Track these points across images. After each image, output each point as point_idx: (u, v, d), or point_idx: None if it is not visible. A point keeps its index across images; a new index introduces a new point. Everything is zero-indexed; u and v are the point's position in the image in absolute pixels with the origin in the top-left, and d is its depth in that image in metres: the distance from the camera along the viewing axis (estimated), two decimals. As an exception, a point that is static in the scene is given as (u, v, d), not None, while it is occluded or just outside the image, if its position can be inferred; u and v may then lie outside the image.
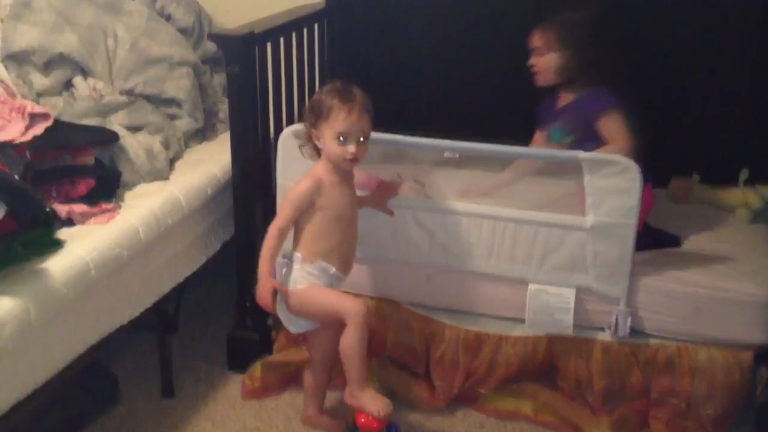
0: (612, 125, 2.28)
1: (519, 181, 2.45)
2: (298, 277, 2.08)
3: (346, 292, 2.18)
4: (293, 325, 2.14)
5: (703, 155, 2.78)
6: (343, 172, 2.09)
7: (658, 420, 2.21)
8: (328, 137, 2.01)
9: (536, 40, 2.39)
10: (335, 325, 2.09)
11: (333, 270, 2.10)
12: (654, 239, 2.35)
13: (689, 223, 2.50)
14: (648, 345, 2.20)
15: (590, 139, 2.29)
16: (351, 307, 2.03)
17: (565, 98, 2.44)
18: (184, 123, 2.63)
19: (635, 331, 2.20)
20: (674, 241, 2.38)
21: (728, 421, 2.19)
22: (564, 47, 2.34)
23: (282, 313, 2.13)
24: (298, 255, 2.09)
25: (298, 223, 2.08)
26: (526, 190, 2.50)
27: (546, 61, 2.38)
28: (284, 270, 2.10)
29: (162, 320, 2.36)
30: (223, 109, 2.81)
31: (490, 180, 2.48)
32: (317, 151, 2.10)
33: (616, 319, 2.19)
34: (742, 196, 2.59)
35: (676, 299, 2.16)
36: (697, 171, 2.74)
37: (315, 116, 2.03)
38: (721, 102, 2.75)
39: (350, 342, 2.03)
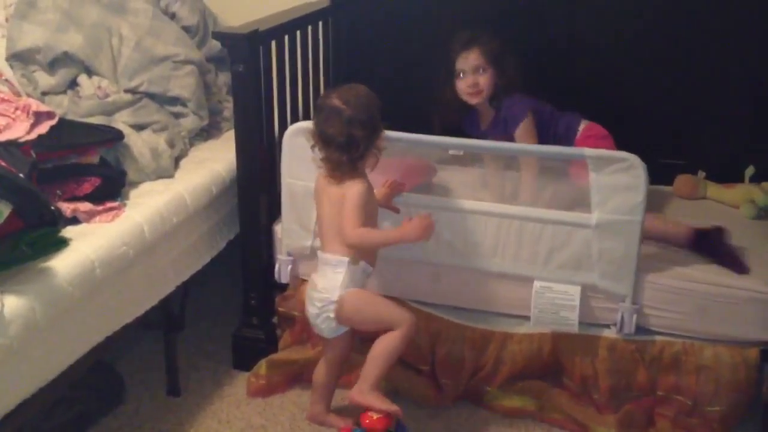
0: (524, 136, 2.45)
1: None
2: (348, 282, 2.08)
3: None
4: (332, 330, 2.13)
5: (708, 152, 2.76)
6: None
7: (664, 418, 2.21)
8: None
9: (475, 59, 2.48)
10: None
11: (371, 269, 2.14)
12: (724, 256, 2.24)
13: (695, 219, 2.49)
14: (654, 342, 2.20)
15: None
16: (406, 318, 2.08)
17: (487, 115, 2.56)
18: (189, 121, 2.62)
19: (641, 329, 2.20)
20: (740, 268, 2.20)
21: (734, 419, 2.18)
22: (496, 65, 2.48)
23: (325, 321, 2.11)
24: (344, 259, 2.08)
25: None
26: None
27: (486, 80, 2.49)
28: (328, 274, 2.09)
29: (167, 319, 2.36)
30: (228, 108, 2.81)
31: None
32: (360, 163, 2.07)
33: (622, 317, 2.18)
34: (747, 192, 2.58)
35: (681, 296, 2.15)
36: (702, 168, 2.73)
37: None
38: (727, 99, 2.74)
39: (390, 346, 2.06)
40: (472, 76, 2.48)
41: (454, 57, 2.51)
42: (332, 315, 2.08)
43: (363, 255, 2.10)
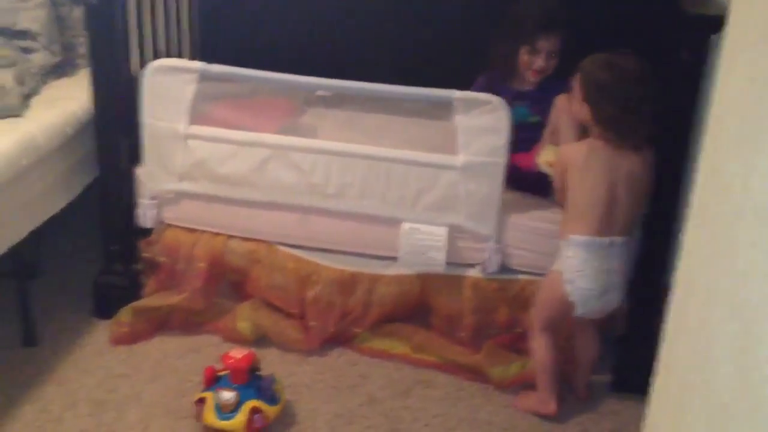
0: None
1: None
2: None
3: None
4: None
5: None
6: None
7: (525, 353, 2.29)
8: None
9: (554, 44, 2.35)
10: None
11: None
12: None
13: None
14: (515, 281, 2.27)
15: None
16: None
17: (525, 82, 2.43)
18: (40, 57, 2.47)
19: (503, 268, 2.26)
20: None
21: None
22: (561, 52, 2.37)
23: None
24: None
25: None
26: (402, 130, 2.51)
27: (552, 65, 2.38)
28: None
29: (20, 267, 2.24)
30: (84, 44, 2.64)
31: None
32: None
33: (486, 256, 2.24)
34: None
35: (541, 236, 2.22)
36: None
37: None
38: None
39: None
40: (545, 59, 2.35)
41: (533, 29, 2.33)
42: None
43: None
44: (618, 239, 2.02)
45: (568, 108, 2.15)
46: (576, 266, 2.02)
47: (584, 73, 2.03)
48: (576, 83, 2.05)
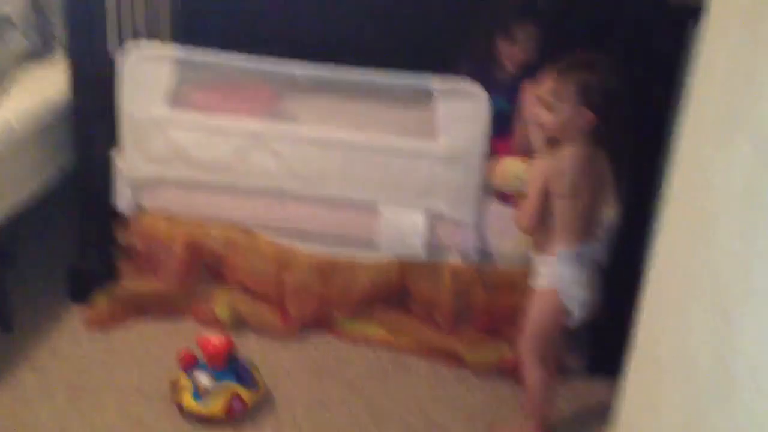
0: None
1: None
2: None
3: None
4: None
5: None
6: None
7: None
8: None
9: (532, 33, 2.34)
10: None
11: None
12: None
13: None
14: (494, 267, 2.28)
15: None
16: None
17: (505, 72, 2.41)
18: (17, 42, 2.43)
19: (483, 254, 2.28)
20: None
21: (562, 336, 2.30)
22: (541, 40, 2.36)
23: None
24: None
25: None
26: (383, 116, 2.51)
27: (531, 52, 2.36)
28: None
29: (-4, 252, 2.22)
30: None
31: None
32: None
33: (465, 243, 2.25)
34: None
35: (520, 223, 2.23)
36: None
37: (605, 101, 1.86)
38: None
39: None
40: (523, 49, 2.35)
41: (509, 18, 2.33)
42: None
43: None
44: (596, 242, 2.00)
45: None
46: (572, 278, 1.93)
47: (588, 83, 1.84)
48: (568, 93, 1.86)
